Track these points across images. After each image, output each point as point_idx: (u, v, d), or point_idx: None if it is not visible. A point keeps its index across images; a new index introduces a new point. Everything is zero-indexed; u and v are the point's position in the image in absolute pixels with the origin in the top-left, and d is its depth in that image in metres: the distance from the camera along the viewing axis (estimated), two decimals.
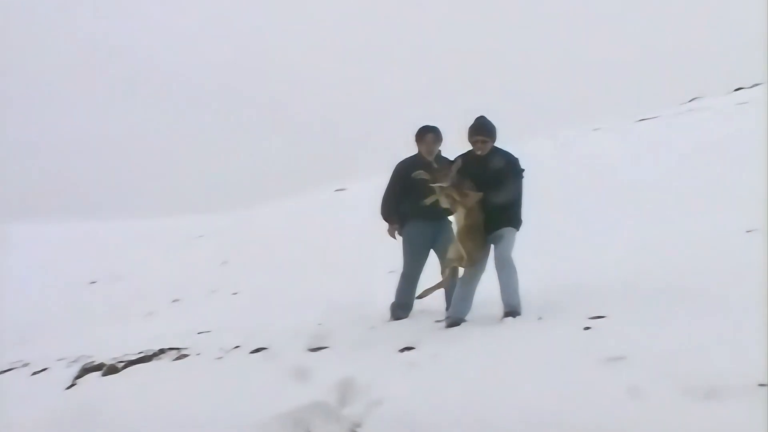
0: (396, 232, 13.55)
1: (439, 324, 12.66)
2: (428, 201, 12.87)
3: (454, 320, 12.34)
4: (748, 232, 14.81)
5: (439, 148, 13.89)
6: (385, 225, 13.72)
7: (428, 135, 13.62)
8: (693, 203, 17.16)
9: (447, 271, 12.75)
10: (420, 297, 13.25)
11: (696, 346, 9.55)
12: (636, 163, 20.50)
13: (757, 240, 13.64)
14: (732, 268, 12.56)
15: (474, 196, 12.35)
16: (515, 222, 12.58)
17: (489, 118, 12.72)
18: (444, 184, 12.54)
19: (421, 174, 13.03)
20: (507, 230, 12.42)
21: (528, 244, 13.01)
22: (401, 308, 13.31)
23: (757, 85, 27.56)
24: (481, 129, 12.56)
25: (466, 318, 12.32)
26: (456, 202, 12.44)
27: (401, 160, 14.07)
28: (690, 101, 28.56)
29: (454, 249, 12.55)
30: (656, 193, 18.27)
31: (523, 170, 12.70)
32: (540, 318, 11.94)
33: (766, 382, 8.39)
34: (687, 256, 13.93)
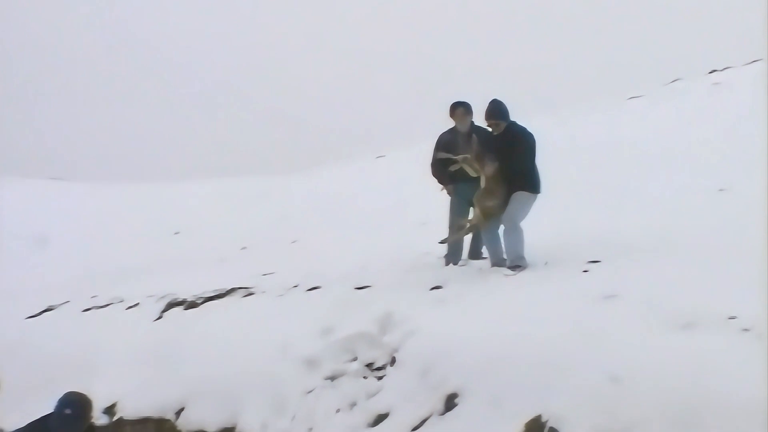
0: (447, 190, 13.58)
1: (463, 268, 12.81)
2: (453, 168, 13.01)
3: (496, 262, 12.37)
4: (720, 190, 14.91)
5: (472, 120, 13.69)
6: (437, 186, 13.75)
7: (458, 109, 13.52)
8: (675, 165, 17.14)
9: (466, 228, 12.98)
10: (442, 242, 13.24)
11: (676, 286, 9.68)
12: (629, 134, 20.46)
13: (728, 197, 13.72)
14: (706, 223, 12.68)
15: (491, 166, 12.39)
16: (527, 186, 12.34)
17: (500, 101, 12.73)
18: (466, 156, 12.69)
19: (441, 155, 13.29)
20: (518, 194, 12.26)
21: (538, 205, 13.07)
22: (452, 255, 13.35)
23: (728, 68, 27.45)
24: (493, 113, 12.58)
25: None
26: (477, 170, 12.62)
27: (441, 132, 13.97)
28: (672, 82, 28.36)
29: (474, 212, 12.77)
30: (645, 157, 18.24)
31: (533, 142, 12.55)
32: (546, 263, 12.11)
33: (734, 316, 8.62)
34: (670, 211, 14.01)
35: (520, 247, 12.01)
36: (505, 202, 12.29)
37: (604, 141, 20.64)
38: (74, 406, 8.07)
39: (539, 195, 12.41)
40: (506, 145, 12.33)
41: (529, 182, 12.36)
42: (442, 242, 13.12)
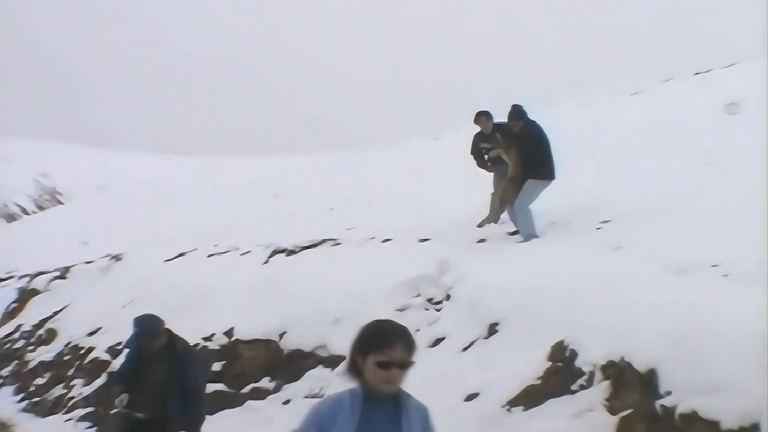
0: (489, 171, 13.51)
1: (503, 227, 12.88)
2: (491, 155, 13.04)
3: (527, 237, 11.88)
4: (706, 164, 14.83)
5: (493, 122, 13.50)
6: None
7: (481, 117, 13.46)
8: (670, 146, 17.06)
9: (497, 211, 12.94)
10: (479, 226, 13.09)
11: (671, 240, 9.72)
12: (633, 120, 20.34)
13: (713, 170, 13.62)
14: (695, 189, 12.63)
15: (514, 154, 12.28)
16: (539, 174, 12.02)
17: (519, 105, 12.53)
18: (498, 147, 12.63)
19: (484, 145, 13.22)
20: (530, 182, 11.96)
21: (561, 177, 13.05)
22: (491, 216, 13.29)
23: (710, 70, 27.19)
24: (513, 115, 12.41)
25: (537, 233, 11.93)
26: (507, 158, 12.48)
27: (475, 133, 13.82)
28: (665, 81, 28.03)
29: (499, 196, 12.75)
30: (646, 139, 18.15)
31: (545, 137, 12.25)
32: (568, 221, 12.16)
33: (718, 264, 8.64)
34: (665, 180, 13.95)
35: (529, 226, 11.80)
36: (521, 187, 12.07)
37: (612, 126, 20.54)
38: (141, 325, 7.93)
39: (552, 180, 12.15)
40: (524, 139, 12.15)
41: (541, 171, 12.06)
42: (479, 226, 12.98)
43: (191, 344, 8.84)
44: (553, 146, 12.38)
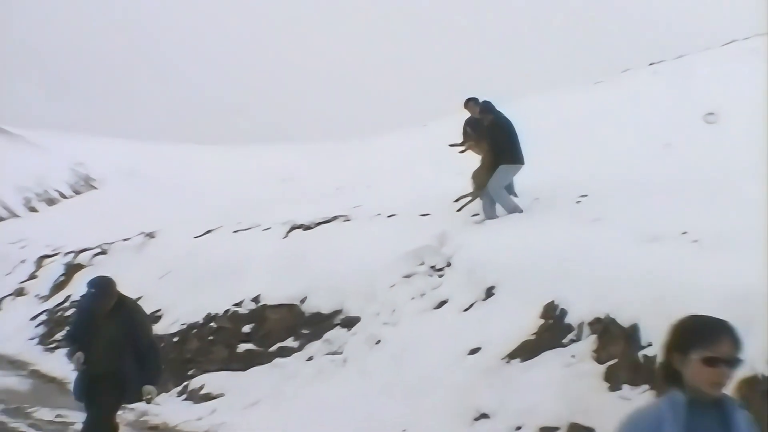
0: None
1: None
2: (460, 152, 12.82)
3: (488, 218, 11.70)
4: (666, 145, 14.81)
5: (480, 108, 12.82)
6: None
7: (469, 104, 13.07)
8: (633, 129, 17.01)
9: (469, 198, 12.45)
10: (458, 210, 12.57)
11: (643, 211, 9.74)
12: (598, 107, 20.29)
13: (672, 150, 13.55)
14: (657, 167, 12.60)
15: (485, 145, 12.05)
16: (509, 159, 11.74)
17: (488, 101, 12.46)
18: (470, 142, 12.51)
19: (454, 144, 12.99)
20: (501, 167, 11.69)
21: (542, 158, 13.00)
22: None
23: (662, 61, 27.31)
24: (483, 109, 12.28)
25: (498, 215, 11.77)
26: (478, 151, 12.29)
27: (466, 118, 13.43)
28: (623, 71, 28.06)
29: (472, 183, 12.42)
30: (612, 124, 18.12)
31: (511, 127, 12.00)
32: (550, 197, 11.94)
33: (686, 231, 8.68)
34: (632, 159, 13.92)
35: (507, 204, 11.63)
36: (492, 173, 11.81)
37: (581, 113, 20.52)
38: (97, 286, 7.49)
39: (521, 165, 11.94)
40: (495, 130, 11.98)
41: (511, 156, 11.82)
42: (458, 210, 12.58)
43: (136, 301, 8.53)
44: (521, 135, 12.22)
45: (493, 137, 11.91)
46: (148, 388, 7.34)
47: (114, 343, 7.18)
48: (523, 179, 12.46)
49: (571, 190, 11.90)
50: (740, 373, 6.29)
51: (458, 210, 12.41)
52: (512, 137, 11.90)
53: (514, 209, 11.55)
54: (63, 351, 15.71)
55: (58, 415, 10.80)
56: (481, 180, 11.98)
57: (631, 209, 10.10)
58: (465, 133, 12.69)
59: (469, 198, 12.33)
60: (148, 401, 7.60)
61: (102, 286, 7.52)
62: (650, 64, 27.55)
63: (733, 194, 9.50)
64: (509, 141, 11.83)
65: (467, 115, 13.26)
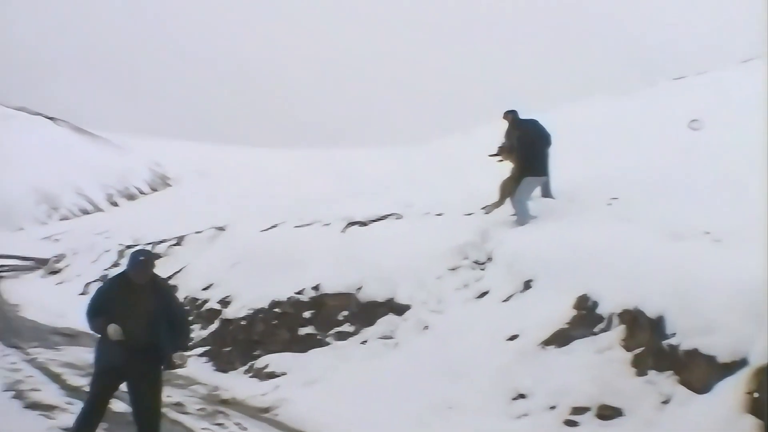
0: None
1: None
2: (497, 161, 12.52)
3: (521, 224, 11.35)
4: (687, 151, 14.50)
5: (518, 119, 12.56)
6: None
7: (508, 115, 12.56)
8: (658, 136, 16.71)
9: (495, 204, 12.38)
10: (487, 212, 12.54)
11: (668, 212, 9.70)
12: (635, 119, 19.99)
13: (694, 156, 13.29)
14: (684, 173, 12.39)
15: (514, 157, 11.92)
16: (528, 173, 11.54)
17: (515, 110, 12.45)
18: (502, 152, 12.35)
19: (492, 154, 12.63)
20: (525, 179, 11.53)
21: (575, 163, 12.84)
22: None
23: (682, 77, 26.96)
24: (512, 123, 12.22)
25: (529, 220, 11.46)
26: (511, 161, 12.16)
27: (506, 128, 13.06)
28: (675, 79, 27.61)
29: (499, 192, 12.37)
30: (637, 131, 17.82)
31: (534, 142, 11.72)
32: (584, 199, 11.73)
33: (710, 231, 8.65)
34: (664, 160, 13.68)
35: (524, 216, 11.35)
36: (519, 183, 11.63)
37: (611, 121, 20.31)
38: (146, 254, 7.28)
39: (544, 177, 11.79)
40: (520, 144, 11.83)
41: (533, 169, 11.61)
42: (486, 211, 12.57)
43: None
44: (551, 143, 12.04)
45: (520, 151, 11.80)
46: (182, 355, 7.24)
47: (152, 315, 6.96)
48: (559, 182, 12.33)
49: (603, 192, 11.77)
50: (755, 363, 6.33)
51: (486, 213, 12.46)
52: (536, 152, 11.72)
53: (524, 221, 11.33)
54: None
55: None
56: (507, 190, 11.96)
57: (657, 210, 10.02)
58: (500, 145, 12.53)
59: (496, 204, 12.33)
60: (181, 367, 7.44)
61: (149, 255, 7.42)
62: (674, 79, 27.28)
63: (752, 195, 9.42)
64: (533, 155, 11.68)
65: (506, 123, 12.99)
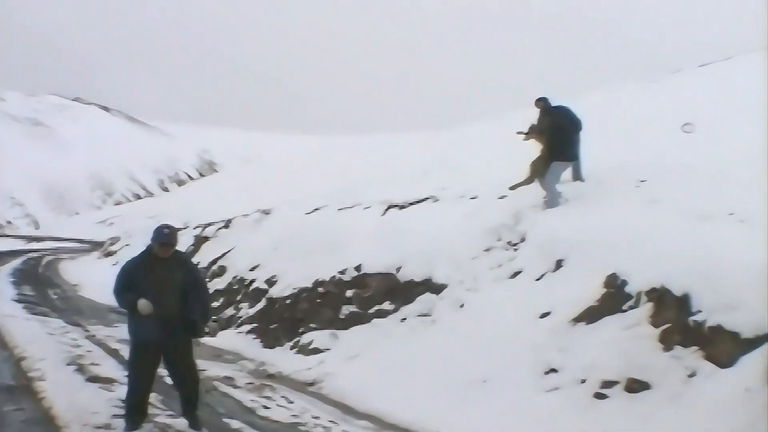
0: None
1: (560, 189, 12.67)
2: (524, 139, 12.62)
3: (550, 206, 11.28)
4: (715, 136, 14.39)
5: (550, 105, 12.52)
6: None
7: (539, 102, 12.52)
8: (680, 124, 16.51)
9: (525, 183, 12.54)
10: (512, 188, 12.59)
11: (695, 194, 9.65)
12: (662, 106, 19.82)
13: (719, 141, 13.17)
14: (707, 157, 12.28)
15: (544, 140, 11.88)
16: (557, 158, 11.44)
17: (545, 97, 12.43)
18: (532, 133, 12.45)
19: (521, 132, 12.75)
20: (553, 164, 11.43)
21: (605, 147, 12.74)
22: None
23: (680, 70, 26.60)
24: (543, 109, 12.22)
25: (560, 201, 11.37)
26: (539, 141, 12.22)
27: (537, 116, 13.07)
28: (700, 66, 27.22)
29: (529, 169, 12.44)
30: (661, 122, 17.63)
31: (563, 128, 11.64)
32: (612, 182, 11.50)
33: (733, 212, 8.61)
34: (691, 145, 13.55)
35: (554, 200, 11.23)
36: (548, 165, 11.54)
37: (640, 107, 20.15)
38: (169, 228, 7.18)
39: (572, 161, 11.73)
40: (551, 131, 11.75)
41: (562, 155, 11.52)
42: (511, 188, 12.59)
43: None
44: (582, 129, 11.98)
45: (550, 137, 11.73)
46: (212, 324, 7.18)
47: (180, 287, 6.97)
48: (589, 165, 12.26)
49: (631, 175, 11.68)
50: None
51: (511, 189, 12.45)
52: (566, 137, 11.64)
53: (555, 204, 11.25)
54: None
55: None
56: (537, 169, 11.94)
57: (684, 193, 9.97)
58: (531, 125, 12.53)
59: (524, 183, 12.32)
60: (210, 336, 7.34)
61: (173, 228, 7.34)
62: (699, 66, 26.91)
63: None
64: (563, 141, 11.59)
65: (538, 110, 12.97)
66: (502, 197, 12.68)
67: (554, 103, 12.61)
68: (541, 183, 11.64)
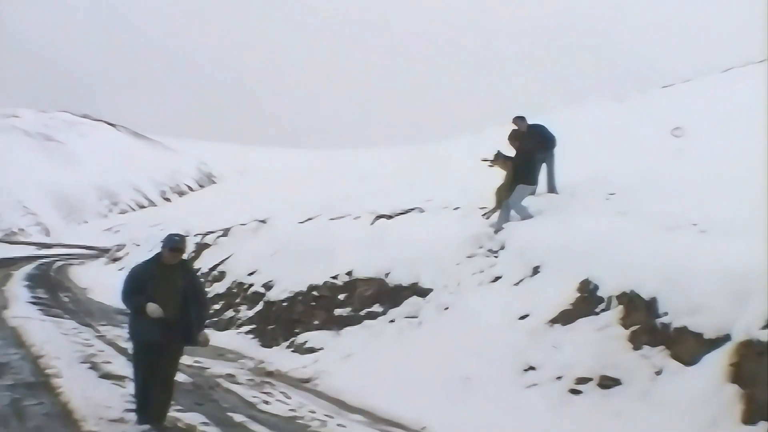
0: None
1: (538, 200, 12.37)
2: (488, 165, 12.22)
3: (498, 229, 11.19)
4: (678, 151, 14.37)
5: (527, 123, 12.48)
6: None
7: (516, 120, 12.36)
8: (649, 140, 16.51)
9: (492, 210, 11.94)
10: (486, 218, 12.00)
11: (662, 206, 9.63)
12: (629, 123, 19.85)
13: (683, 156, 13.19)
14: (671, 172, 12.28)
15: (507, 166, 11.63)
16: (522, 181, 11.21)
17: (521, 116, 12.32)
18: (497, 159, 12.11)
19: (486, 160, 12.36)
20: (519, 186, 11.17)
21: (576, 162, 12.76)
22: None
23: (671, 84, 26.61)
24: (512, 137, 11.96)
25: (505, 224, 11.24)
26: (503, 168, 11.90)
27: (511, 130, 12.65)
28: (663, 87, 27.29)
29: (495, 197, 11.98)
30: (632, 136, 17.69)
31: (526, 154, 11.49)
32: (585, 194, 11.70)
33: (696, 223, 8.67)
34: (656, 160, 13.44)
35: (523, 213, 11.16)
36: (512, 190, 11.30)
37: (608, 124, 20.20)
38: (179, 236, 7.19)
39: (535, 186, 11.59)
40: (517, 157, 11.63)
41: (527, 179, 11.34)
42: (487, 218, 12.08)
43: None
44: (555, 146, 12.14)
45: (516, 161, 11.54)
46: (205, 333, 7.04)
47: (183, 293, 6.92)
48: (563, 179, 12.38)
49: (601, 188, 11.76)
50: (737, 339, 6.41)
51: (486, 218, 12.05)
52: (531, 165, 11.55)
53: (526, 216, 11.17)
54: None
55: (196, 361, 11.15)
56: (501, 195, 11.68)
57: (650, 205, 10.04)
58: (496, 153, 12.24)
59: (494, 210, 12.01)
60: (205, 345, 7.14)
61: (183, 237, 7.32)
62: (663, 87, 27.06)
63: (734, 193, 9.41)
64: (528, 167, 11.46)
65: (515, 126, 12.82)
66: (482, 208, 12.64)
67: (531, 120, 12.66)
68: (506, 205, 11.45)
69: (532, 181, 11.54)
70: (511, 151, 12.05)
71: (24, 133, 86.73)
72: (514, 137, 12.25)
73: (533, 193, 11.65)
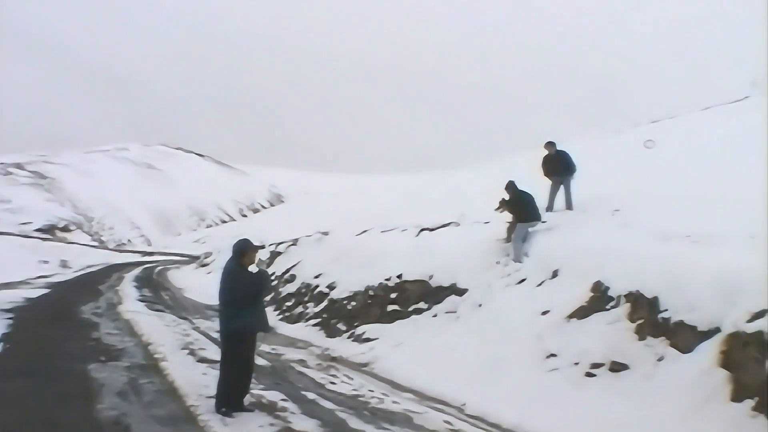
0: None
1: (556, 216, 12.23)
2: (497, 211, 11.80)
3: (515, 260, 10.73)
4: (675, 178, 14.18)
5: (556, 148, 12.44)
6: None
7: (547, 145, 12.46)
8: (656, 161, 16.31)
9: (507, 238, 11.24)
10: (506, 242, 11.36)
11: (661, 221, 9.55)
12: (629, 151, 19.60)
13: (679, 181, 13.02)
14: (667, 192, 12.12)
15: (509, 209, 11.38)
16: (521, 221, 10.99)
17: (512, 181, 11.64)
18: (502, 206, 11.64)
19: (497, 208, 11.80)
20: (518, 225, 10.98)
21: (587, 183, 12.71)
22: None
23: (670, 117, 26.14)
24: (507, 187, 11.52)
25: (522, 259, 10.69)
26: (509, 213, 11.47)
27: (544, 155, 12.57)
28: (653, 122, 26.99)
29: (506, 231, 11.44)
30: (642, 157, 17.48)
31: (519, 199, 11.28)
32: (593, 210, 11.71)
33: (690, 235, 8.59)
34: (656, 182, 13.41)
35: (517, 254, 10.69)
36: (514, 227, 11.10)
37: (613, 152, 19.92)
38: (248, 240, 6.98)
39: (532, 222, 11.14)
40: (513, 203, 11.39)
41: (525, 218, 11.06)
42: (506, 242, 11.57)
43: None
44: (575, 171, 12.14)
45: (513, 207, 11.36)
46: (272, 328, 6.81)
47: (259, 297, 6.82)
48: (576, 198, 12.33)
49: (608, 206, 11.70)
50: (726, 330, 6.38)
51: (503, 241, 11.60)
52: (526, 206, 11.25)
53: (518, 259, 10.72)
54: (269, 309, 16.31)
55: (273, 348, 11.36)
56: (510, 230, 11.39)
57: (649, 219, 9.98)
58: (501, 200, 11.76)
59: (507, 240, 11.49)
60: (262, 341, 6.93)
61: (250, 240, 7.04)
62: (652, 122, 26.83)
63: (719, 210, 9.33)
64: (524, 209, 11.18)
65: (544, 152, 12.72)
66: (508, 222, 12.62)
67: (559, 146, 12.66)
68: (515, 239, 11.09)
69: (527, 218, 11.14)
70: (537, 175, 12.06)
71: (132, 163, 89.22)
72: (544, 161, 12.31)
73: (533, 226, 11.25)
